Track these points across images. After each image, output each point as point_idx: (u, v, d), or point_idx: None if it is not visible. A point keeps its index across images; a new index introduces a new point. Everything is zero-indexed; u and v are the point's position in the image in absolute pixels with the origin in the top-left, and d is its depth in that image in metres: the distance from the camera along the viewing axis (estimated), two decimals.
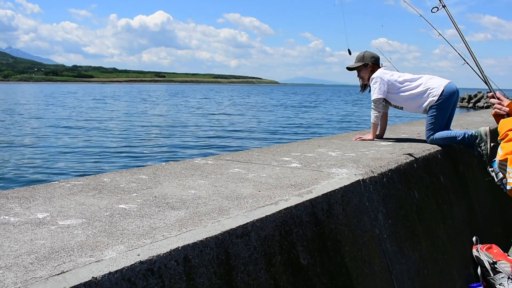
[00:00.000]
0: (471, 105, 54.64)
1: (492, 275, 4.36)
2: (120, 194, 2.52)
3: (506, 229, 6.09)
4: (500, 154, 2.23)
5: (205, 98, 74.68)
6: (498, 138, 2.47)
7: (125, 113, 35.50)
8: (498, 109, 2.84)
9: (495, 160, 2.42)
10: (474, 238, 4.66)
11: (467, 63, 4.04)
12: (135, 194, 2.54)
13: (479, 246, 4.60)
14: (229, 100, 67.98)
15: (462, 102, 56.02)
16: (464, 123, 7.45)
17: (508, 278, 4.31)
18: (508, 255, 4.81)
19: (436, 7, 4.19)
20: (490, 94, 3.02)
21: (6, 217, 2.08)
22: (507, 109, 2.81)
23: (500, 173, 2.42)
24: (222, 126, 25.61)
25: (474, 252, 4.54)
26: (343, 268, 2.59)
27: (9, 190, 2.62)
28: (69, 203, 2.34)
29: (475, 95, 57.18)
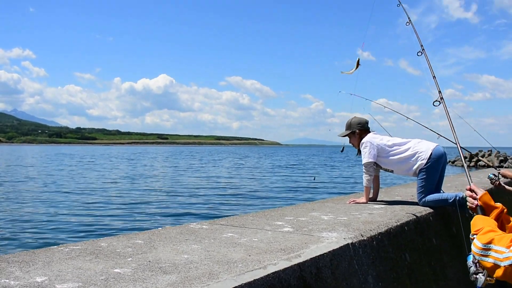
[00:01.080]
0: (472, 163, 54.74)
1: None
2: (116, 259, 2.62)
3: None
4: (478, 245, 2.25)
5: (211, 160, 75.10)
6: (471, 233, 2.51)
7: (123, 176, 35.64)
8: (470, 203, 2.89)
9: (470, 254, 2.45)
10: None
11: (442, 136, 4.33)
12: (130, 258, 2.64)
13: None
14: (232, 162, 68.32)
15: (464, 160, 56.14)
16: (459, 184, 7.56)
17: None
18: None
19: (420, 51, 4.48)
20: (467, 187, 3.08)
21: (7, 280, 2.19)
22: (477, 202, 2.85)
23: (472, 267, 2.43)
24: (222, 189, 25.69)
25: None
26: None
27: (10, 254, 2.73)
28: (66, 267, 2.44)
29: (476, 154, 57.40)
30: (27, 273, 2.33)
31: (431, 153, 4.96)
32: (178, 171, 42.42)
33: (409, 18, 4.91)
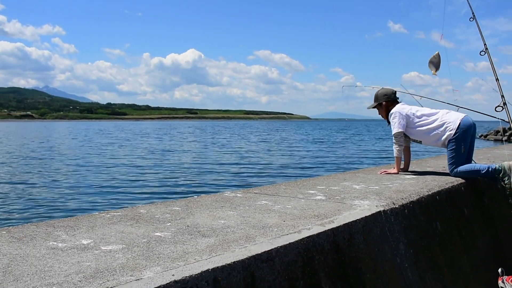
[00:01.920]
0: (505, 137, 53.79)
1: None
2: (156, 224, 2.74)
3: None
4: None
5: (238, 134, 75.39)
6: None
7: (159, 149, 36.22)
8: None
9: None
10: (500, 270, 4.70)
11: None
12: (169, 223, 2.75)
13: (505, 277, 4.64)
14: (262, 135, 68.44)
15: (496, 135, 55.18)
16: (492, 156, 7.50)
17: None
18: None
19: (483, 50, 4.40)
20: None
21: (55, 243, 2.32)
22: None
23: None
24: (253, 161, 25.88)
25: (500, 284, 4.58)
26: None
27: (55, 220, 2.87)
28: (109, 231, 2.56)
29: (510, 128, 56.29)
30: (73, 236, 2.45)
31: (460, 123, 4.94)
32: (207, 145, 42.78)
33: (473, 13, 4.80)
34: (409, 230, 3.45)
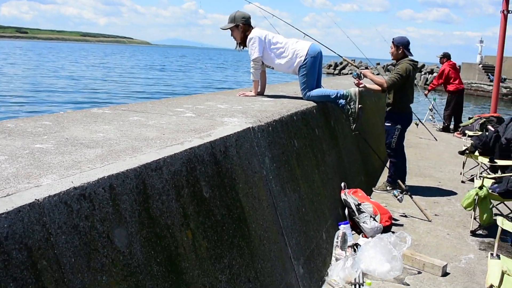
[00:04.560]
0: (337, 71, 57.68)
1: (357, 214, 5.02)
2: (31, 137, 2.65)
3: (368, 176, 6.89)
4: None
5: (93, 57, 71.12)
6: None
7: None
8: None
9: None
10: (342, 184, 5.30)
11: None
12: (46, 136, 2.68)
13: (347, 190, 5.25)
14: (98, 59, 65.39)
15: (328, 68, 59.02)
16: (334, 85, 8.14)
17: (370, 216, 5.00)
18: (371, 198, 5.51)
19: None
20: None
21: None
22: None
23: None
24: (91, 87, 24.86)
25: (342, 196, 5.17)
26: (238, 202, 2.97)
27: None
28: None
29: (341, 63, 60.46)
30: None
31: (308, 50, 5.29)
32: (37, 69, 39.91)
33: None
34: (273, 146, 3.73)
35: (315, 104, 5.14)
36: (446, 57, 12.68)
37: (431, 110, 14.12)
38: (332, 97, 5.37)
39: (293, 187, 3.93)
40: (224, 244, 2.71)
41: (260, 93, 5.71)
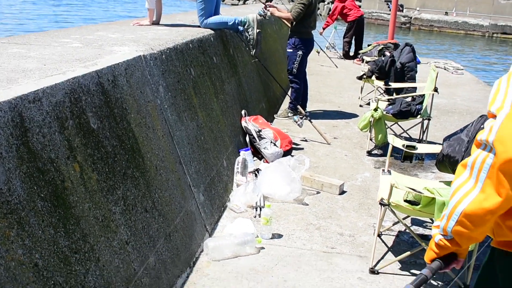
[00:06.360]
0: (241, 2, 56.96)
1: (258, 141, 5.09)
2: None
3: (269, 103, 6.98)
4: None
5: None
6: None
7: None
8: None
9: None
10: (243, 112, 5.32)
11: None
12: None
13: (247, 118, 5.28)
14: None
15: (233, 0, 58.14)
16: (235, 14, 8.01)
17: (271, 142, 5.09)
18: (272, 124, 5.60)
19: None
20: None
21: None
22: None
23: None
24: None
25: (243, 123, 5.21)
26: (130, 132, 2.89)
27: None
28: None
29: None
30: None
31: None
32: None
33: None
34: (167, 74, 3.64)
35: (212, 32, 5.04)
36: None
37: (331, 43, 14.25)
38: (230, 24, 5.28)
39: (191, 115, 3.89)
40: (117, 176, 2.65)
41: (156, 22, 5.50)
